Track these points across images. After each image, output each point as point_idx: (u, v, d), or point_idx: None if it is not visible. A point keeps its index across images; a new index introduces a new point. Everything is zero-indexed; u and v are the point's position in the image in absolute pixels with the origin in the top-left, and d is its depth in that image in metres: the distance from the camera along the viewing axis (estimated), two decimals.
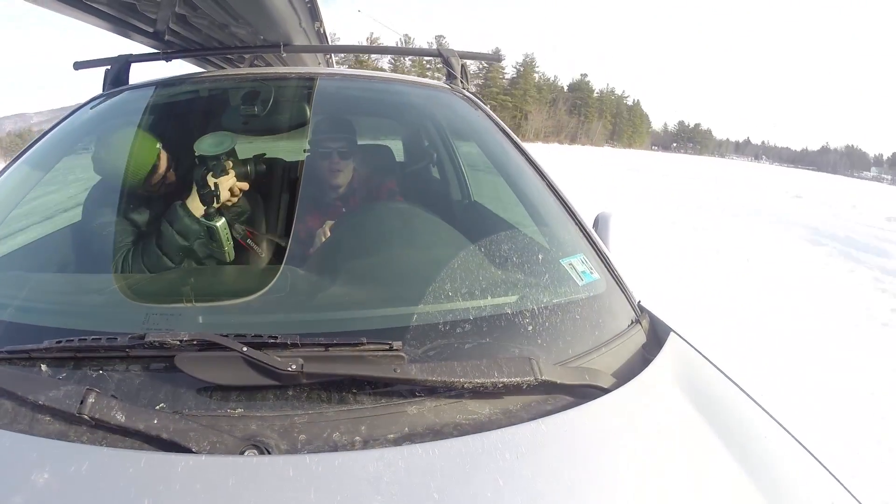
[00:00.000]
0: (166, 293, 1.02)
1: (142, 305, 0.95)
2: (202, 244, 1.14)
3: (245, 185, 1.25)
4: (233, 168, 1.24)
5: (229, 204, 1.22)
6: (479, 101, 1.55)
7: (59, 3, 1.52)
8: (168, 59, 1.92)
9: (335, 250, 1.08)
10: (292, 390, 0.71)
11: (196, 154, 1.27)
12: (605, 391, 0.77)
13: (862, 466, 2.27)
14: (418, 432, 0.68)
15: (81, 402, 0.65)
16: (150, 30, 2.01)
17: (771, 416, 0.79)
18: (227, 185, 1.21)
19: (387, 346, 0.73)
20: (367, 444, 0.65)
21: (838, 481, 0.69)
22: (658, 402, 0.79)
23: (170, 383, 0.71)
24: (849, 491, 0.68)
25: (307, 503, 0.57)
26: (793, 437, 0.76)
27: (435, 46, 1.80)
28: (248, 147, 1.53)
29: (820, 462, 0.72)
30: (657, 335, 0.95)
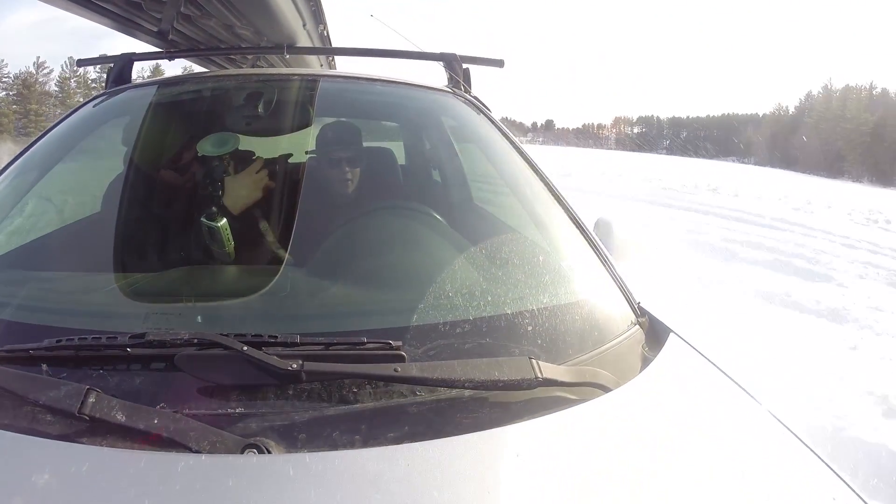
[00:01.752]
0: (167, 292, 1.02)
1: (142, 305, 0.95)
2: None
3: (272, 183, 1.26)
4: (263, 168, 1.25)
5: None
6: (481, 105, 1.55)
7: (66, 0, 1.53)
8: (171, 59, 1.92)
9: (336, 251, 1.08)
10: (292, 389, 0.71)
11: (199, 154, 1.28)
12: (606, 390, 0.77)
13: None
14: (419, 431, 0.67)
15: (82, 402, 0.64)
16: (155, 29, 2.02)
17: (773, 414, 0.79)
18: (234, 185, 1.21)
19: (387, 346, 0.73)
20: (367, 443, 0.65)
21: (841, 479, 0.69)
22: (658, 402, 0.79)
23: (170, 383, 0.71)
24: (852, 489, 0.68)
25: (307, 502, 0.57)
26: (795, 435, 0.76)
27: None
28: (249, 148, 1.53)
29: (822, 460, 0.72)
30: (657, 336, 0.95)
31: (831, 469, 0.71)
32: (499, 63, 1.90)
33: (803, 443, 0.75)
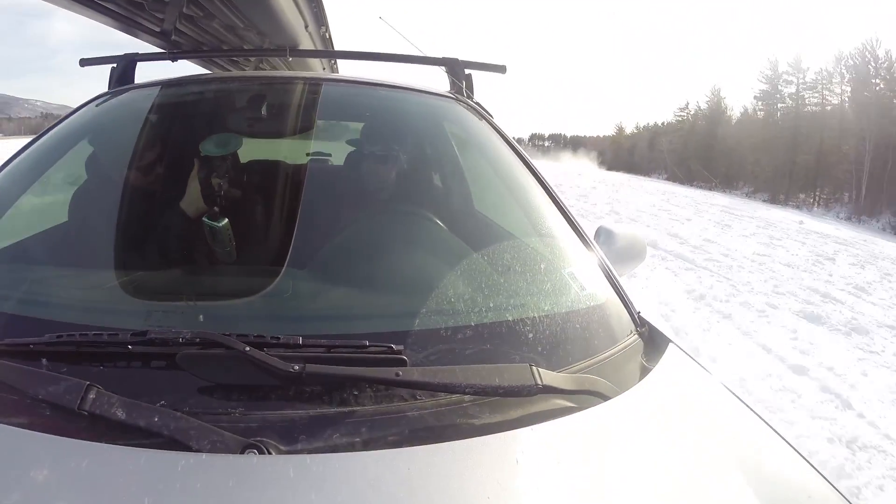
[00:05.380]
0: (169, 290, 1.02)
1: (145, 302, 0.95)
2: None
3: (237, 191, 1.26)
4: (230, 170, 1.25)
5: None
6: (483, 111, 1.56)
7: (69, 0, 1.53)
8: (174, 60, 1.92)
9: (338, 254, 1.08)
10: (293, 391, 0.71)
11: (201, 154, 1.28)
12: (605, 399, 0.78)
13: None
14: (419, 435, 0.68)
15: (82, 398, 0.64)
16: (158, 29, 2.02)
17: (769, 425, 0.80)
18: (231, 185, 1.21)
19: (389, 350, 0.73)
20: (367, 446, 0.65)
21: (836, 490, 0.70)
22: (656, 411, 0.79)
23: (171, 381, 0.71)
24: (847, 499, 0.68)
25: (307, 503, 0.57)
26: (791, 446, 0.77)
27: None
28: (251, 150, 1.53)
29: (817, 470, 0.73)
30: (656, 345, 0.96)
31: (827, 481, 0.72)
32: (501, 69, 1.91)
33: (800, 454, 0.76)
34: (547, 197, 1.24)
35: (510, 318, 0.89)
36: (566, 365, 0.84)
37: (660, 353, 0.92)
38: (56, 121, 1.44)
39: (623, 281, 1.08)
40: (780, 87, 39.32)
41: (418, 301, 0.90)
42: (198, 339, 0.71)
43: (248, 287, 0.94)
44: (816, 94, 35.65)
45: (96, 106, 1.47)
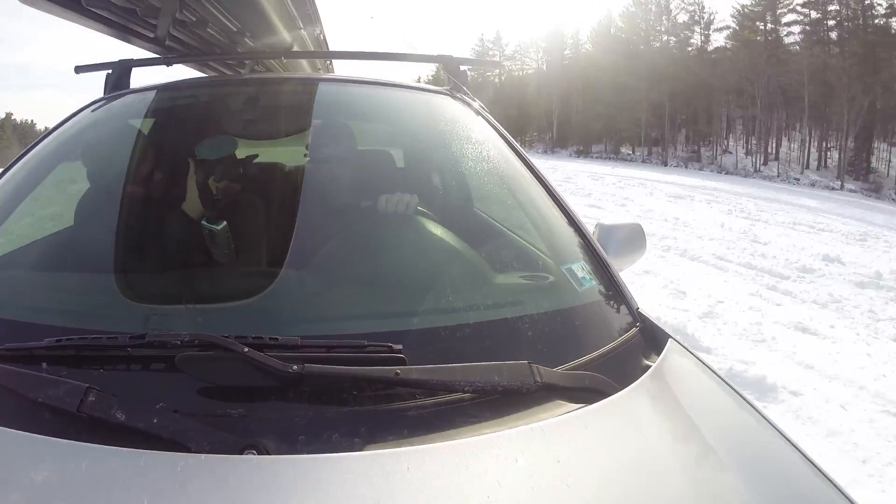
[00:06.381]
0: (168, 294, 1.02)
1: (143, 306, 0.95)
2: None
3: (237, 186, 1.26)
4: (227, 173, 1.25)
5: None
6: (480, 108, 1.56)
7: (61, 8, 1.53)
8: (169, 64, 1.92)
9: (336, 254, 1.08)
10: (292, 391, 0.71)
11: (198, 158, 1.28)
12: (604, 396, 0.78)
13: None
14: (418, 434, 0.67)
15: (81, 401, 0.64)
16: (151, 35, 2.02)
17: (769, 421, 0.80)
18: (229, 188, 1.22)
19: (388, 349, 0.73)
20: (367, 446, 0.65)
21: (837, 487, 0.69)
22: (656, 407, 0.79)
23: (170, 383, 0.71)
24: (848, 497, 0.68)
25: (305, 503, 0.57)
26: (791, 442, 0.76)
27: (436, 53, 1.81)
28: (248, 151, 1.53)
29: (818, 467, 0.72)
30: (656, 341, 0.95)
31: (827, 477, 0.71)
32: (497, 64, 1.91)
33: (800, 451, 0.75)
34: (545, 193, 1.23)
35: (509, 316, 0.89)
36: (566, 362, 0.83)
37: (659, 349, 0.92)
38: (52, 127, 1.44)
39: (622, 277, 1.07)
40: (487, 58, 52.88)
41: (417, 300, 0.90)
42: (196, 342, 0.71)
43: (247, 289, 0.94)
44: (518, 62, 50.40)
45: (91, 112, 1.47)
